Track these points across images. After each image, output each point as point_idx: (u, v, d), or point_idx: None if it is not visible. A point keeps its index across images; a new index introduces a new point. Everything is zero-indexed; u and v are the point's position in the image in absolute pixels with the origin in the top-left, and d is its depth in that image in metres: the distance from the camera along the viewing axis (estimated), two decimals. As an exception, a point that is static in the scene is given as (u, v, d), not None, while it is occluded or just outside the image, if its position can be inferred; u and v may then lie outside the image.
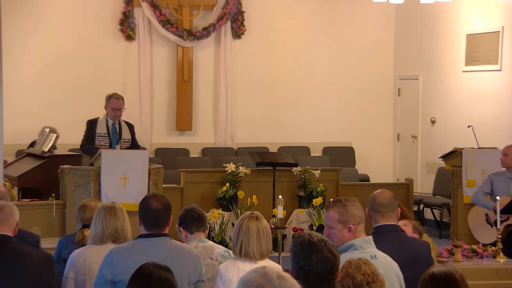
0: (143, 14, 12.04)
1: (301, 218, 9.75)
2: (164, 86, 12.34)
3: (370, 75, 12.97)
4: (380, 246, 3.85)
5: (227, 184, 9.63)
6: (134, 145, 8.54)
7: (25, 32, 11.42)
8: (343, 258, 3.25)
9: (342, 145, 12.91)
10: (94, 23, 11.92)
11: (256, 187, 9.72)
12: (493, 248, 6.82)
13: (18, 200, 8.50)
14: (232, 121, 12.48)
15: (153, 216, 4.02)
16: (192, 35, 12.18)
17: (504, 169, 7.87)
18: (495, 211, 6.99)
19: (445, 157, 9.34)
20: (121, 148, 8.31)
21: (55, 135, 9.26)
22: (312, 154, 12.60)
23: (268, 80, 12.66)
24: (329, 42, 12.82)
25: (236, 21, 12.40)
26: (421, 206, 11.67)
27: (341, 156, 12.63)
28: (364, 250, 3.71)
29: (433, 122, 12.30)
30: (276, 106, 12.70)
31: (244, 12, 12.43)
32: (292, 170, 9.89)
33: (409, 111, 12.81)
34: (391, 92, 13.17)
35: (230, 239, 9.12)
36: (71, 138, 10.42)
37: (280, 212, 7.08)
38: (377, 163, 12.89)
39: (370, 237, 3.85)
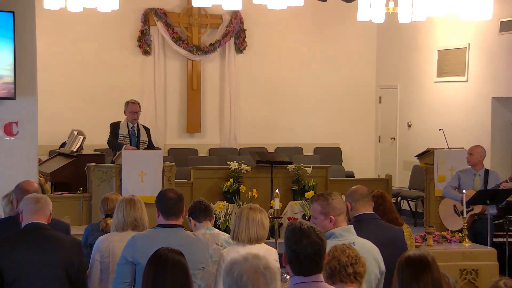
0: (158, 32, 12.08)
1: (295, 209, 9.74)
2: (176, 94, 12.37)
3: (355, 85, 12.98)
4: (361, 232, 3.87)
5: (231, 180, 9.63)
6: (150, 145, 8.58)
7: (57, 47, 11.47)
8: (328, 245, 3.29)
9: (331, 146, 12.92)
10: (116, 39, 11.97)
11: (256, 182, 9.69)
12: (460, 234, 6.81)
13: (51, 193, 8.52)
14: (235, 125, 12.50)
15: (170, 204, 4.04)
16: (201, 50, 12.22)
17: (469, 166, 7.86)
18: (462, 203, 7.00)
19: (419, 156, 9.32)
20: (138, 148, 8.36)
21: (82, 137, 9.30)
22: (304, 154, 12.59)
23: (266, 89, 12.68)
24: (319, 57, 12.84)
25: (238, 38, 12.44)
26: (399, 198, 11.66)
27: (329, 155, 12.63)
28: (343, 237, 3.73)
29: (409, 125, 12.29)
30: (274, 112, 12.72)
31: (246, 30, 12.46)
32: (287, 168, 9.89)
33: (389, 116, 12.79)
34: (373, 99, 13.18)
35: (234, 227, 9.18)
36: (96, 139, 10.48)
37: (277, 204, 7.13)
38: (361, 161, 12.89)
39: (350, 226, 3.87)
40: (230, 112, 12.42)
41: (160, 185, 7.76)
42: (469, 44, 10.82)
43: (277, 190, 7.30)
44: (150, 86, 12.07)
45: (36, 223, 4.11)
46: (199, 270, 4.05)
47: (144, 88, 12.06)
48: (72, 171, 8.67)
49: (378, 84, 13.04)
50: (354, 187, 4.32)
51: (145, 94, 11.95)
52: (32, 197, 4.22)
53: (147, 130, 8.63)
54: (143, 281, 3.28)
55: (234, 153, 12.05)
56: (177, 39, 12.08)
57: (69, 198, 8.19)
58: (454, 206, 7.74)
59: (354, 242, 3.69)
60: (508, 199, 7.79)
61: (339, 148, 12.93)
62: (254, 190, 9.49)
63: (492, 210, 7.45)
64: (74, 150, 9.02)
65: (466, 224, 6.78)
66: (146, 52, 12.02)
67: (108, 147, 8.85)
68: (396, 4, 8.79)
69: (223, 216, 9.28)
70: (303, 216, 9.57)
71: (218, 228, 7.62)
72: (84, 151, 9.24)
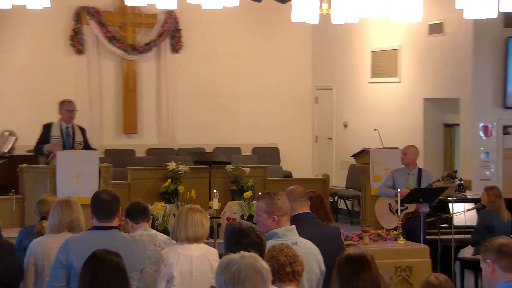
0: (91, 31, 11.88)
1: (233, 209, 9.77)
2: (112, 94, 12.20)
3: (291, 86, 13.09)
4: (299, 232, 3.91)
5: (169, 180, 9.58)
6: (87, 146, 8.43)
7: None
8: (268, 245, 3.31)
9: (269, 146, 13.00)
10: (48, 38, 11.72)
11: (194, 183, 9.67)
12: (395, 232, 6.95)
13: (-19, 196, 8.28)
14: (173, 125, 12.43)
15: (103, 206, 3.99)
16: (136, 49, 12.09)
17: (403, 166, 8.04)
18: (396, 201, 7.15)
19: (355, 156, 9.43)
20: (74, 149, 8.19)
21: (14, 137, 9.08)
22: (243, 154, 12.63)
23: (204, 89, 12.66)
24: (255, 57, 12.89)
25: (174, 38, 12.37)
26: (336, 198, 11.81)
27: (267, 155, 12.70)
28: (286, 237, 3.76)
29: (345, 126, 12.45)
30: (212, 112, 12.70)
31: (181, 30, 12.40)
32: (226, 168, 9.91)
33: (325, 117, 12.92)
34: (309, 100, 13.31)
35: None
36: (29, 140, 10.20)
37: (215, 204, 7.14)
38: (298, 161, 13.01)
39: (293, 226, 3.89)
40: (167, 112, 12.34)
41: (96, 187, 7.65)
42: (400, 45, 11.06)
43: (215, 191, 7.32)
44: (85, 86, 11.87)
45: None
46: (136, 272, 4.01)
47: (78, 88, 11.85)
48: (3, 173, 8.45)
49: (314, 85, 13.18)
50: (291, 187, 4.36)
51: (79, 94, 11.73)
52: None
53: (83, 130, 8.47)
54: (79, 284, 3.23)
55: (172, 153, 11.98)
56: (111, 39, 11.92)
57: (1, 200, 8.00)
58: (389, 205, 7.87)
59: (296, 242, 3.73)
60: (440, 197, 8.02)
61: (277, 148, 13.03)
62: (193, 191, 9.47)
63: (424, 208, 7.65)
64: (6, 151, 8.80)
65: (400, 222, 6.92)
66: (79, 52, 11.81)
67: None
68: (329, 6, 8.90)
69: (161, 217, 9.22)
70: (242, 216, 9.61)
71: (156, 229, 7.55)
72: (16, 152, 9.03)
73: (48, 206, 5.07)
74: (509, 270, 3.15)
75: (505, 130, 9.95)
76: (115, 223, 4.05)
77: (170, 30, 12.26)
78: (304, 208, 4.28)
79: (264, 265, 2.32)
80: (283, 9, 10.48)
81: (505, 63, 9.70)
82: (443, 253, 7.54)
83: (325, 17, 9.22)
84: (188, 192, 9.47)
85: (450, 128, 10.82)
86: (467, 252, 7.68)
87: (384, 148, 9.31)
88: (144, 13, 12.10)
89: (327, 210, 4.98)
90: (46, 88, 11.54)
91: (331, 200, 11.52)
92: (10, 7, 9.34)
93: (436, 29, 10.36)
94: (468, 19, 7.50)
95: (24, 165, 7.99)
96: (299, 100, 13.14)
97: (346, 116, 12.36)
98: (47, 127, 8.27)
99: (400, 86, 11.15)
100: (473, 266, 7.52)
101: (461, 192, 8.51)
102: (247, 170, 9.91)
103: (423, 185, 7.81)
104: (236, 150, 12.63)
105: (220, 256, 3.59)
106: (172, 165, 9.66)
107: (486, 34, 9.73)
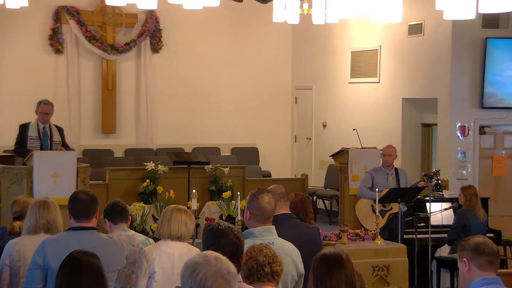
0: (71, 30, 11.80)
1: (212, 209, 9.76)
2: (91, 94, 12.13)
3: (271, 86, 13.11)
4: (278, 231, 3.91)
5: (148, 181, 9.55)
6: (64, 146, 8.36)
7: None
8: (246, 244, 3.29)
9: (248, 146, 13.01)
10: (26, 37, 11.61)
11: (173, 183, 9.66)
12: (373, 232, 6.99)
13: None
14: (152, 125, 12.38)
15: (81, 206, 3.97)
16: (115, 49, 12.03)
17: (380, 166, 8.06)
18: (374, 201, 7.18)
19: (334, 155, 9.45)
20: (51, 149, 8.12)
21: (-10, 138, 8.96)
22: (222, 154, 12.63)
23: (183, 89, 12.63)
24: (235, 57, 12.90)
25: (154, 38, 12.33)
26: (315, 197, 11.84)
27: (246, 155, 12.71)
28: (263, 237, 3.76)
29: (324, 126, 12.50)
30: (191, 112, 12.68)
31: (162, 29, 12.37)
32: (205, 168, 9.90)
33: (304, 117, 12.97)
34: (289, 100, 13.35)
35: (150, 229, 9.10)
36: (5, 140, 10.13)
37: (194, 204, 7.12)
38: (277, 161, 13.04)
39: (272, 226, 3.88)
40: (146, 112, 12.30)
41: (74, 187, 7.58)
42: (380, 46, 11.13)
43: (194, 191, 7.30)
44: (63, 85, 11.78)
45: None
46: (114, 273, 4.00)
47: (57, 88, 11.77)
48: (-21, 174, 8.32)
49: (294, 85, 13.22)
50: (271, 186, 4.35)
51: (58, 94, 11.65)
52: None
53: (61, 130, 8.39)
54: (56, 285, 3.20)
55: (151, 153, 11.94)
56: (91, 38, 11.84)
57: (-23, 202, 7.88)
58: (372, 206, 7.86)
59: (273, 243, 3.72)
60: (417, 196, 8.08)
61: (256, 148, 13.04)
62: (171, 191, 9.45)
63: (403, 208, 7.71)
64: (-18, 151, 8.67)
65: (378, 222, 6.96)
66: (58, 51, 11.73)
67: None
68: (310, 6, 8.94)
69: (140, 218, 9.18)
70: (221, 216, 9.60)
71: (134, 230, 7.52)
72: (-7, 153, 8.91)
73: (18, 207, 5.05)
74: (485, 269, 3.18)
75: (482, 130, 10.05)
76: (93, 223, 4.03)
77: (151, 30, 12.21)
78: (284, 208, 4.28)
79: (230, 267, 2.31)
80: (264, 9, 10.50)
81: (483, 64, 9.80)
82: (420, 252, 7.60)
83: (305, 18, 9.25)
84: (167, 193, 9.44)
85: (428, 128, 10.90)
86: (444, 251, 7.75)
87: (362, 148, 9.35)
88: (124, 12, 12.04)
89: (307, 212, 5.00)
90: (25, 88, 11.44)
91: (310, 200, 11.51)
92: (-13, 6, 9.26)
93: (415, 29, 10.44)
94: (447, 20, 7.56)
95: (0, 165, 7.89)
96: (278, 100, 13.16)
97: (325, 116, 12.40)
98: (24, 127, 8.18)
99: (379, 86, 11.22)
100: (449, 265, 7.59)
101: (438, 192, 8.58)
102: (226, 170, 9.91)
103: (402, 184, 7.86)
104: (215, 150, 12.62)
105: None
106: (150, 166, 9.63)
107: (464, 35, 9.82)
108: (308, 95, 12.84)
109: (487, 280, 3.16)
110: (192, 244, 7.13)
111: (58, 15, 11.69)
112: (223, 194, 9.72)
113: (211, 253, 2.38)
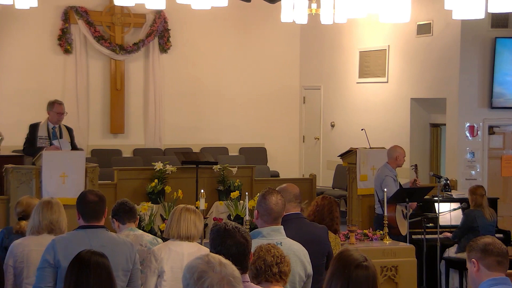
0: (79, 30, 11.84)
1: (220, 209, 9.75)
2: (99, 94, 12.16)
3: (279, 86, 13.11)
4: (286, 231, 3.91)
5: (156, 180, 9.55)
6: (73, 146, 8.39)
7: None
8: (253, 244, 3.29)
9: (256, 146, 13.00)
10: (35, 38, 11.66)
11: (181, 183, 9.64)
12: (381, 232, 6.98)
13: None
14: (160, 125, 12.40)
15: (91, 207, 3.99)
16: (124, 49, 12.06)
17: (391, 167, 7.93)
18: (381, 203, 7.13)
19: (342, 155, 9.39)
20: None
21: (-1, 137, 9.00)
22: (230, 154, 12.63)
23: (191, 89, 12.64)
24: (243, 57, 12.90)
25: (163, 38, 12.34)
26: (323, 197, 11.84)
27: (254, 155, 12.70)
28: (270, 237, 3.76)
29: (332, 126, 12.49)
30: (199, 112, 12.69)
31: (170, 29, 12.38)
32: (213, 168, 9.89)
33: (313, 116, 12.96)
34: (297, 100, 13.34)
35: (159, 228, 9.11)
36: (14, 140, 10.15)
37: (202, 204, 7.12)
38: (285, 161, 13.03)
39: (280, 226, 3.87)
40: (154, 112, 12.32)
41: (82, 187, 7.60)
42: (388, 46, 11.11)
43: (202, 191, 7.30)
44: (72, 85, 11.82)
45: None
46: (124, 272, 3.99)
47: (65, 88, 11.81)
48: (-12, 173, 8.36)
49: (302, 85, 13.21)
50: (285, 185, 4.31)
51: (66, 94, 11.68)
52: None
53: (70, 130, 8.42)
54: (64, 285, 3.21)
55: (159, 153, 11.96)
56: (100, 38, 11.87)
57: (-15, 201, 7.92)
58: (402, 210, 7.74)
59: (281, 243, 3.72)
60: (426, 197, 8.05)
61: (264, 148, 13.03)
62: (179, 191, 9.45)
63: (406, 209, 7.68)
64: (-9, 151, 8.71)
65: (386, 222, 6.94)
66: (67, 51, 11.76)
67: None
68: (318, 6, 8.94)
69: (148, 217, 9.19)
70: (229, 216, 9.60)
71: (142, 230, 7.53)
72: (1, 152, 8.95)
73: (21, 207, 5.08)
74: (494, 269, 3.17)
75: (491, 130, 10.01)
76: (102, 223, 4.04)
77: (159, 30, 12.23)
78: (296, 209, 4.27)
79: (234, 272, 2.30)
80: (272, 9, 10.50)
81: (492, 64, 9.76)
82: (428, 253, 7.58)
83: (314, 18, 9.25)
84: (175, 192, 9.44)
85: (436, 128, 10.87)
86: (452, 252, 7.72)
87: (371, 148, 9.30)
88: (132, 13, 12.07)
89: (333, 216, 5.00)
90: (33, 88, 11.49)
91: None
92: (-3, 6, 9.31)
93: (424, 29, 10.41)
94: (456, 19, 7.53)
95: (9, 165, 7.92)
96: (286, 100, 13.15)
97: (334, 116, 12.38)
98: (34, 127, 8.21)
99: (388, 86, 11.19)
100: (458, 265, 7.56)
101: (446, 192, 8.55)
102: (234, 170, 9.90)
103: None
104: (223, 150, 12.62)
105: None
106: (159, 165, 9.63)
107: (473, 34, 9.78)
108: (316, 95, 12.83)
109: (496, 280, 3.15)
110: (200, 243, 7.14)
111: (67, 15, 11.73)
112: (231, 194, 9.72)
113: (214, 258, 2.34)
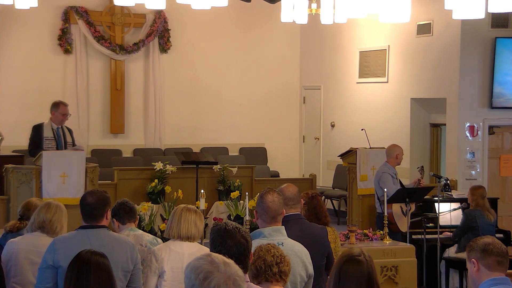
0: (80, 30, 11.84)
1: (220, 209, 9.75)
2: (99, 94, 12.16)
3: (279, 86, 13.11)
4: (287, 231, 3.90)
5: (156, 180, 9.56)
6: (73, 146, 8.39)
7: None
8: (254, 244, 3.29)
9: (256, 146, 13.00)
10: (35, 38, 11.65)
11: (181, 183, 9.65)
12: (381, 232, 6.99)
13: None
14: (160, 125, 12.40)
15: (88, 210, 4.00)
16: (124, 49, 12.06)
17: (390, 166, 7.97)
18: (380, 202, 7.12)
19: (342, 155, 9.42)
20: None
21: None
22: (230, 154, 12.63)
23: (191, 89, 12.64)
24: (243, 57, 12.90)
25: (163, 38, 12.34)
26: (323, 197, 11.83)
27: (254, 155, 12.70)
28: (272, 237, 3.76)
29: (332, 126, 12.49)
30: (199, 112, 12.69)
31: (170, 30, 12.38)
32: (213, 168, 9.90)
33: (313, 116, 12.95)
34: (297, 100, 13.34)
35: (159, 228, 9.11)
36: (14, 140, 10.17)
37: (202, 204, 7.13)
38: (285, 161, 13.03)
39: (281, 227, 3.87)
40: (154, 112, 12.32)
41: (83, 187, 7.61)
42: (388, 46, 11.10)
43: (202, 191, 7.30)
44: (72, 85, 11.82)
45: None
46: (124, 272, 3.99)
47: (65, 88, 11.80)
48: (-12, 173, 8.37)
49: (302, 85, 13.21)
50: (284, 186, 4.30)
51: (67, 94, 11.68)
52: None
53: (70, 131, 8.43)
54: (65, 285, 3.21)
55: (159, 153, 11.96)
56: (100, 38, 11.87)
57: (-15, 201, 7.94)
58: (401, 207, 7.74)
59: (282, 243, 3.72)
60: (426, 197, 8.05)
61: (264, 148, 13.03)
62: (180, 191, 9.45)
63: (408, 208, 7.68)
64: (-9, 151, 8.71)
65: (386, 222, 6.94)
66: (67, 51, 11.76)
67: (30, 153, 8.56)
68: (318, 6, 8.94)
69: (148, 217, 9.19)
70: (229, 216, 9.60)
71: (143, 230, 7.54)
72: (1, 152, 8.95)
73: (25, 207, 5.07)
74: (494, 269, 3.17)
75: (491, 130, 10.01)
76: (104, 223, 4.04)
77: (159, 30, 12.23)
78: (295, 209, 4.27)
79: (238, 271, 2.30)
80: (272, 9, 10.50)
81: (492, 64, 9.76)
82: (428, 253, 7.58)
83: (314, 18, 9.25)
84: (175, 192, 9.44)
85: (436, 128, 10.87)
86: (452, 251, 7.72)
87: (371, 148, 9.32)
88: (132, 13, 12.07)
89: (317, 211, 5.00)
90: (34, 88, 11.49)
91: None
92: (-3, 6, 9.32)
93: (424, 29, 10.41)
94: (456, 19, 7.54)
95: (10, 165, 7.93)
96: (286, 100, 13.16)
97: (334, 116, 12.38)
98: (38, 128, 8.18)
99: (388, 86, 11.19)
100: (459, 265, 7.56)
101: (446, 192, 8.55)
102: (234, 170, 9.90)
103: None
104: (223, 150, 12.62)
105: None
106: (159, 165, 9.64)
107: (473, 34, 9.78)
108: (316, 95, 12.83)
109: (496, 280, 3.15)
110: (201, 243, 7.14)
111: (67, 15, 11.73)
112: (231, 194, 9.72)
113: (217, 258, 2.34)
